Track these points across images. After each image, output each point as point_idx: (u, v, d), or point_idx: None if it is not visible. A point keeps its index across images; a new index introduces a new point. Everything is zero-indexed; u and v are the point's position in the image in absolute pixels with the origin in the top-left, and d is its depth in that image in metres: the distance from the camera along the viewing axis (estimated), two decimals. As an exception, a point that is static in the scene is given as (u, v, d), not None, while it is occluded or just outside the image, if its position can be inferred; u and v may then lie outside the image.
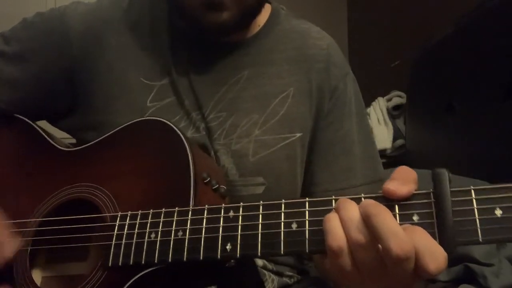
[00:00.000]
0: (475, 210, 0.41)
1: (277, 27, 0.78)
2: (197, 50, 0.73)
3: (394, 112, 2.09)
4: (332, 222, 0.43)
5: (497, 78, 1.37)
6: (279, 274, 0.77)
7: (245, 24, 0.72)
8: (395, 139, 2.02)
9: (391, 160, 1.97)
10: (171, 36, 0.74)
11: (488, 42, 1.42)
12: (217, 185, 0.59)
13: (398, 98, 2.11)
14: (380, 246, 0.41)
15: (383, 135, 2.02)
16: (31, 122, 0.73)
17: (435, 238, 0.41)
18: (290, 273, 0.79)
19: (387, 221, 0.40)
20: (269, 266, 0.75)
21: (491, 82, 1.39)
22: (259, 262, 0.74)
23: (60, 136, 0.75)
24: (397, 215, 0.43)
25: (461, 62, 1.55)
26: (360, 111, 0.79)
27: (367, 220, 0.41)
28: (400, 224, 0.42)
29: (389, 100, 2.13)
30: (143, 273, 0.52)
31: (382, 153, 1.99)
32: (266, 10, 0.79)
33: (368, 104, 2.17)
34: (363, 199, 0.45)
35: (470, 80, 1.50)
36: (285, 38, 0.77)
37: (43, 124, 0.76)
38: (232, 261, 0.53)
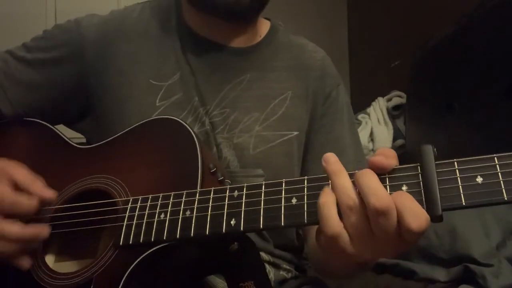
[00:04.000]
0: (458, 178, 0.45)
1: (276, 40, 0.85)
2: (203, 53, 0.79)
3: (394, 112, 2.09)
4: (327, 209, 0.47)
5: (497, 78, 1.37)
6: (276, 266, 0.79)
7: (258, 6, 0.77)
8: (395, 139, 2.02)
9: (391, 160, 1.97)
10: (180, 39, 0.79)
11: (488, 42, 1.42)
12: (222, 177, 0.62)
13: (398, 98, 2.11)
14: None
15: (383, 135, 2.02)
16: (49, 125, 0.78)
17: (422, 204, 0.45)
18: (288, 267, 0.81)
19: (369, 180, 0.45)
20: (266, 257, 0.78)
21: (491, 82, 1.39)
22: None
23: (72, 137, 0.78)
24: (388, 186, 0.47)
25: (461, 62, 1.55)
26: (351, 120, 0.86)
27: (355, 183, 0.46)
28: (390, 193, 0.46)
29: (389, 100, 2.13)
30: (152, 250, 0.55)
31: (382, 153, 1.99)
32: (266, 25, 0.86)
33: (368, 104, 2.17)
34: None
35: (470, 80, 1.50)
36: (284, 49, 0.84)
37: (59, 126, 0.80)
38: (235, 243, 0.56)
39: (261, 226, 0.51)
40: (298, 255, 0.84)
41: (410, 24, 2.23)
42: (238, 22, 0.78)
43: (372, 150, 2.00)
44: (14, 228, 0.60)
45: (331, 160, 0.49)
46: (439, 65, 1.70)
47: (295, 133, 0.79)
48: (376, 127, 2.05)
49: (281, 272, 0.79)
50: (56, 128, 0.78)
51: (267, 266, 0.77)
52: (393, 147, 2.01)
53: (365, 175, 0.46)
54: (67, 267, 0.66)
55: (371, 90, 2.20)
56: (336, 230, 0.46)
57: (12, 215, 0.61)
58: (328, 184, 0.49)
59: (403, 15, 2.31)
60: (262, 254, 0.77)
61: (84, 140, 0.84)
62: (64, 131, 0.80)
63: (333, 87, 0.83)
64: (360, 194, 0.46)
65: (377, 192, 0.44)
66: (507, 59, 1.33)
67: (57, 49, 0.79)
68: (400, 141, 2.01)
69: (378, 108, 2.12)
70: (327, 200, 0.47)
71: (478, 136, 1.46)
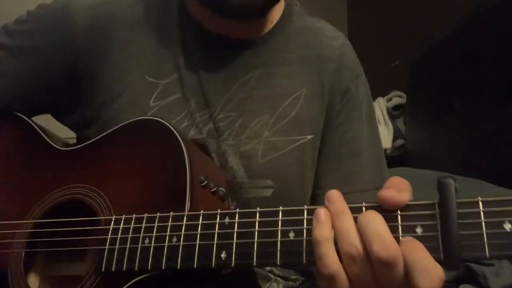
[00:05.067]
0: (483, 223, 0.39)
1: (290, 25, 0.75)
2: (207, 47, 0.71)
3: (394, 112, 2.09)
4: (324, 247, 0.42)
5: (497, 78, 1.37)
6: (285, 278, 0.76)
7: (270, 3, 0.68)
8: (395, 139, 2.02)
9: (391, 160, 1.97)
10: (181, 30, 0.71)
11: (488, 42, 1.42)
12: (216, 188, 0.57)
13: (398, 98, 2.11)
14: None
15: (383, 135, 2.02)
16: (29, 120, 0.72)
17: (439, 253, 0.39)
18: (295, 277, 0.78)
19: (374, 224, 0.40)
20: (276, 271, 0.75)
21: (491, 82, 1.39)
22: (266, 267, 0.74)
23: (64, 131, 0.74)
24: (399, 226, 0.41)
25: (461, 62, 1.55)
26: (371, 113, 0.78)
27: (358, 227, 0.41)
28: (402, 236, 0.41)
29: (389, 100, 2.13)
30: (136, 279, 0.51)
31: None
32: (279, 7, 0.76)
33: (368, 104, 2.17)
34: (364, 208, 0.43)
35: (470, 80, 1.50)
36: (298, 37, 0.75)
37: (46, 118, 0.75)
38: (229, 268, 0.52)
39: (255, 263, 0.45)
40: None
41: (410, 24, 2.23)
42: (249, 19, 0.70)
43: (372, 150, 2.00)
44: None
45: (334, 198, 0.44)
46: (439, 65, 1.70)
47: (309, 137, 0.71)
48: (376, 127, 2.05)
49: (290, 283, 0.76)
50: (36, 124, 0.71)
51: (276, 278, 0.74)
52: (393, 147, 2.01)
53: (370, 217, 0.41)
54: (54, 273, 0.63)
55: (371, 90, 2.19)
56: (333, 269, 0.41)
57: None
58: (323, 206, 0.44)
59: (403, 15, 2.31)
60: (272, 268, 0.73)
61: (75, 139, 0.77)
62: (59, 126, 0.76)
63: (352, 80, 0.75)
64: (363, 240, 0.41)
65: (383, 239, 0.39)
66: (507, 59, 1.32)
67: (42, 34, 0.71)
68: (400, 141, 2.01)
69: (378, 108, 2.12)
70: (323, 235, 0.42)
71: (478, 136, 1.46)
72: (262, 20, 0.73)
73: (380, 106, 2.12)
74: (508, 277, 1.06)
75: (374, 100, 2.17)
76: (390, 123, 2.05)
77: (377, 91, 2.20)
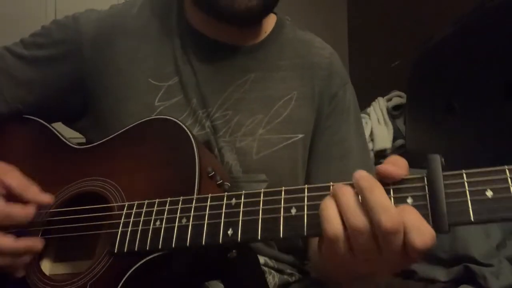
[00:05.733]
0: (467, 192, 0.42)
1: (282, 36, 0.82)
2: (205, 52, 0.77)
3: (394, 112, 2.09)
4: (329, 210, 0.45)
5: (497, 78, 1.37)
6: (280, 271, 0.78)
7: (268, 10, 0.75)
8: (395, 139, 2.02)
9: (391, 160, 1.97)
10: (180, 37, 0.77)
11: (488, 42, 1.42)
12: (221, 181, 0.61)
13: (398, 98, 2.11)
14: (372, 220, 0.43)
15: (383, 135, 2.02)
16: (45, 123, 0.77)
17: (428, 219, 0.43)
18: (291, 271, 0.80)
19: (379, 196, 0.43)
20: (270, 263, 0.77)
21: (491, 82, 1.39)
22: (261, 259, 0.75)
23: (71, 136, 0.78)
24: (392, 198, 0.45)
25: (461, 62, 1.55)
26: (358, 120, 0.84)
27: (360, 194, 0.44)
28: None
29: (389, 100, 2.13)
30: (147, 259, 0.54)
31: (382, 153, 2.00)
32: (272, 19, 0.83)
33: (368, 104, 2.17)
34: None
35: (470, 80, 1.50)
36: (290, 46, 0.81)
37: (57, 124, 0.80)
38: (233, 251, 0.55)
39: (259, 237, 0.49)
40: (302, 257, 0.82)
41: (410, 24, 2.23)
42: (247, 26, 0.76)
43: (372, 150, 2.00)
44: (6, 242, 0.59)
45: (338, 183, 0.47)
46: (439, 65, 1.70)
47: (300, 135, 0.76)
48: (376, 127, 2.05)
49: (285, 277, 0.79)
50: (52, 127, 0.77)
51: (272, 271, 0.76)
52: (393, 147, 2.01)
53: (374, 190, 0.43)
54: (64, 270, 0.66)
55: (371, 90, 2.20)
56: (336, 231, 0.44)
57: (6, 226, 0.60)
58: (329, 194, 0.47)
59: (403, 15, 2.32)
60: (267, 260, 0.76)
61: (83, 140, 0.82)
62: (64, 130, 0.79)
63: (340, 86, 0.81)
64: (367, 212, 0.43)
65: (388, 210, 0.42)
66: (507, 59, 1.33)
67: (54, 46, 0.78)
68: (400, 141, 2.01)
69: (378, 108, 2.12)
70: (328, 203, 0.45)
71: (478, 136, 1.47)
72: (257, 28, 0.79)
73: (380, 106, 2.12)
74: (508, 278, 1.07)
75: (374, 100, 2.18)
76: (390, 123, 2.06)
77: (377, 91, 2.20)
